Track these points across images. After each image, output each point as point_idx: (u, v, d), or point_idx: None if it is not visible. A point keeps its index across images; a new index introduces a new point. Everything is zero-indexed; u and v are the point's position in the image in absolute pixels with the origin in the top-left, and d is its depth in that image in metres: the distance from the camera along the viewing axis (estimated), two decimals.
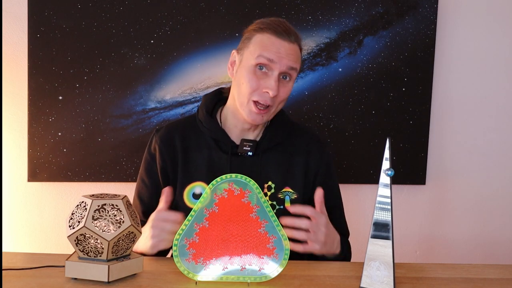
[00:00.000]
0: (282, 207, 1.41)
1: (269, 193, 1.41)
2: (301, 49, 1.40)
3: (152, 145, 1.48)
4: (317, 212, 1.29)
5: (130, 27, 2.05)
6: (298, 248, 1.27)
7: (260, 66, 1.33)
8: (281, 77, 1.35)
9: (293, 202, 1.41)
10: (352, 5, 2.10)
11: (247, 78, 1.34)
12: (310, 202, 1.42)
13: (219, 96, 1.50)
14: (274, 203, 1.41)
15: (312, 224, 1.27)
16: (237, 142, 1.44)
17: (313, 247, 1.28)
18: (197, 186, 1.37)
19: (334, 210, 1.46)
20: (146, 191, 1.48)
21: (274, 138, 1.45)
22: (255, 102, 1.35)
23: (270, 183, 1.42)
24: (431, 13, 2.12)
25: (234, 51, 1.42)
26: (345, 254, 1.41)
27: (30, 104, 2.05)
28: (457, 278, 1.20)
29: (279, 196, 1.42)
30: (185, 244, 1.13)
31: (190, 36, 2.06)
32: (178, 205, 1.41)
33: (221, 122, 1.47)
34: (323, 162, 1.49)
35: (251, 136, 1.46)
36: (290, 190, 1.43)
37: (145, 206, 1.46)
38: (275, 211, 1.40)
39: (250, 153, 1.41)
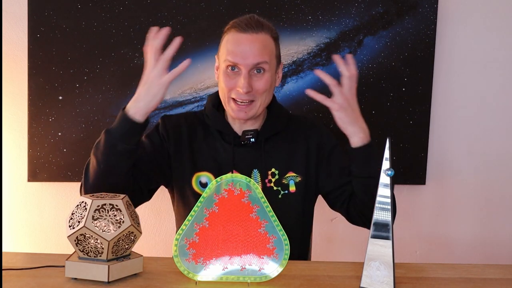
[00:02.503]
0: (287, 192, 1.45)
1: (273, 180, 1.45)
2: (274, 37, 1.41)
3: (160, 126, 1.49)
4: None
5: (130, 27, 2.05)
6: (319, 97, 1.36)
7: (230, 67, 1.39)
8: (254, 71, 1.38)
9: (297, 185, 1.46)
10: (352, 5, 2.10)
11: (223, 79, 1.41)
12: (314, 185, 1.47)
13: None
14: (279, 188, 1.45)
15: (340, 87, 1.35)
16: (240, 134, 1.47)
17: (332, 104, 1.36)
18: (203, 176, 1.43)
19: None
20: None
21: (274, 127, 1.48)
22: (234, 100, 1.40)
23: (273, 169, 1.45)
24: (431, 13, 2.12)
25: (216, 56, 1.48)
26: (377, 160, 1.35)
27: (30, 104, 2.05)
28: (457, 278, 1.20)
29: (283, 181, 1.46)
30: (185, 244, 1.13)
31: (190, 36, 2.06)
32: (185, 191, 1.44)
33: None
34: (323, 139, 1.51)
35: (252, 128, 1.49)
36: (294, 174, 1.46)
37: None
38: (280, 196, 1.44)
39: (252, 140, 1.44)
